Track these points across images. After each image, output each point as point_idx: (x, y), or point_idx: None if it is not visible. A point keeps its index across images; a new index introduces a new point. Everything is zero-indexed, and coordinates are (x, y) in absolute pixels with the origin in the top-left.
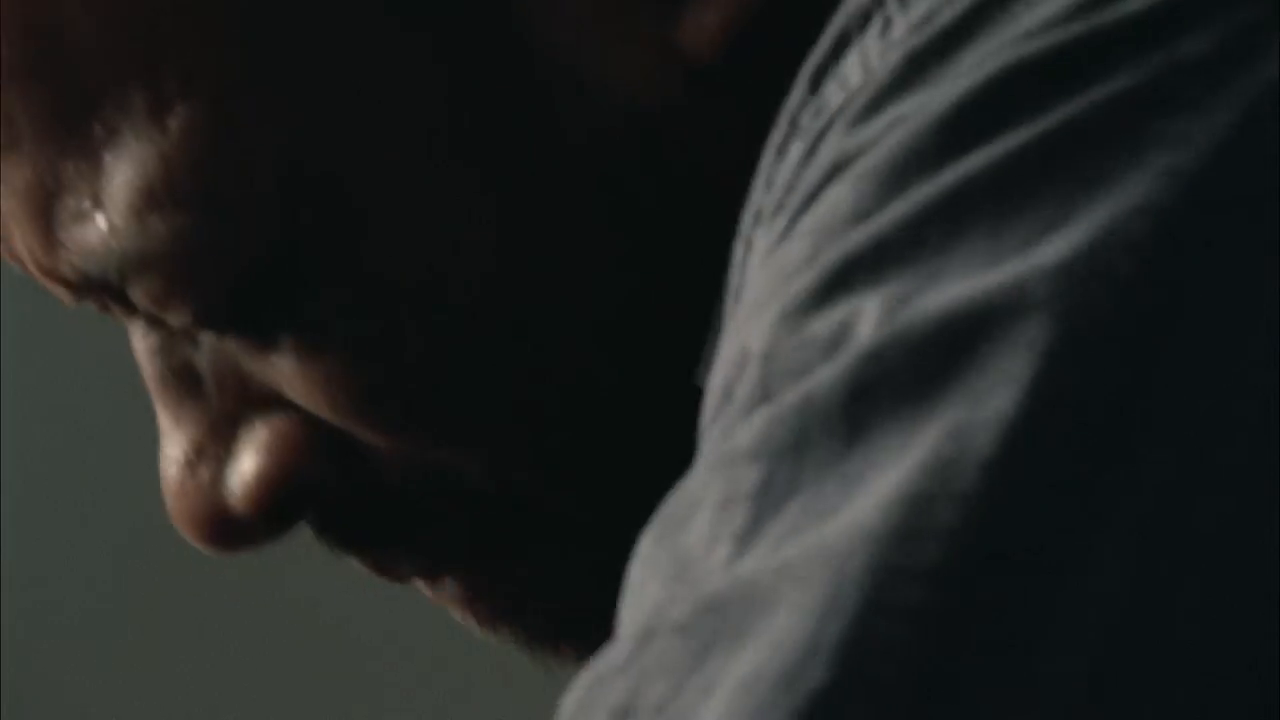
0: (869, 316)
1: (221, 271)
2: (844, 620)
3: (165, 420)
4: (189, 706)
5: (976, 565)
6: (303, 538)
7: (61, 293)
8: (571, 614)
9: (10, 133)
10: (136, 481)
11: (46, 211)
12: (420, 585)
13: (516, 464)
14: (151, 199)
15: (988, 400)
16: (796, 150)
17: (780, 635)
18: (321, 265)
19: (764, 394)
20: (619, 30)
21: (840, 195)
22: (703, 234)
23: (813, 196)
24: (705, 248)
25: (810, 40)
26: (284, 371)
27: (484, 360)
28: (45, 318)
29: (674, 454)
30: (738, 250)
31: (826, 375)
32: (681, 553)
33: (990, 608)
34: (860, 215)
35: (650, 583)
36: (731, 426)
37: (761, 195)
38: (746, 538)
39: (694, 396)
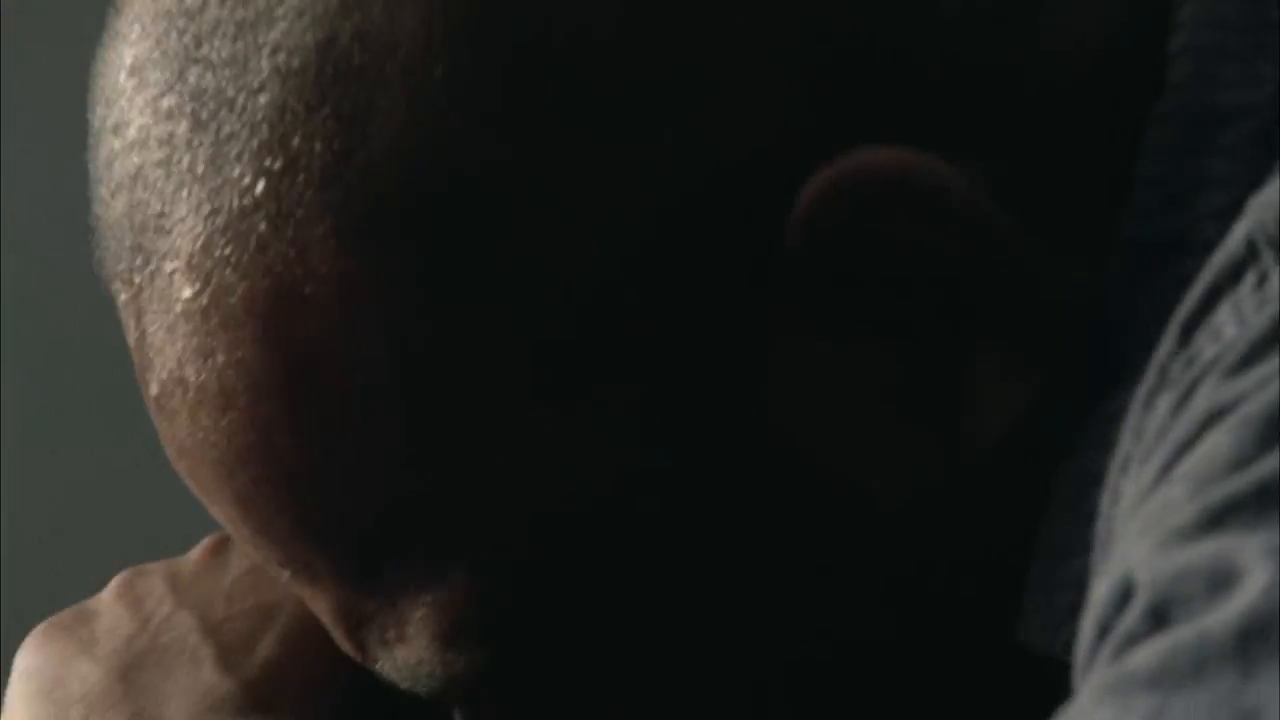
0: (1254, 556)
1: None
2: None
3: None
4: None
5: None
6: None
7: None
8: None
9: (310, 575)
10: (136, 479)
11: (354, 633)
12: None
13: None
14: (448, 640)
15: None
16: (1166, 401)
17: None
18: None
19: (1157, 622)
20: (892, 429)
21: (1218, 442)
22: (975, 606)
23: (1188, 444)
24: (981, 621)
25: (1070, 420)
26: None
27: None
28: (45, 317)
29: None
30: (1103, 500)
31: (1221, 612)
32: None
33: None
34: (1241, 462)
35: None
36: (1120, 653)
37: (1130, 444)
38: None
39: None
